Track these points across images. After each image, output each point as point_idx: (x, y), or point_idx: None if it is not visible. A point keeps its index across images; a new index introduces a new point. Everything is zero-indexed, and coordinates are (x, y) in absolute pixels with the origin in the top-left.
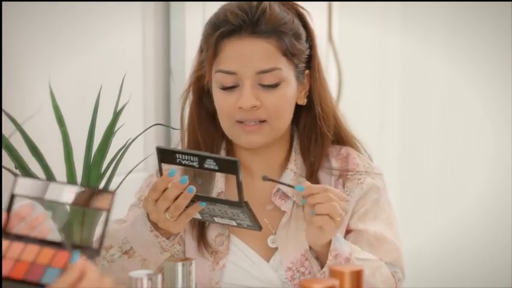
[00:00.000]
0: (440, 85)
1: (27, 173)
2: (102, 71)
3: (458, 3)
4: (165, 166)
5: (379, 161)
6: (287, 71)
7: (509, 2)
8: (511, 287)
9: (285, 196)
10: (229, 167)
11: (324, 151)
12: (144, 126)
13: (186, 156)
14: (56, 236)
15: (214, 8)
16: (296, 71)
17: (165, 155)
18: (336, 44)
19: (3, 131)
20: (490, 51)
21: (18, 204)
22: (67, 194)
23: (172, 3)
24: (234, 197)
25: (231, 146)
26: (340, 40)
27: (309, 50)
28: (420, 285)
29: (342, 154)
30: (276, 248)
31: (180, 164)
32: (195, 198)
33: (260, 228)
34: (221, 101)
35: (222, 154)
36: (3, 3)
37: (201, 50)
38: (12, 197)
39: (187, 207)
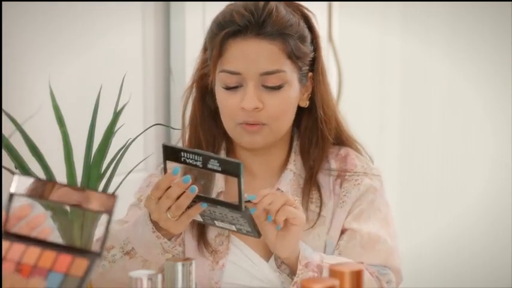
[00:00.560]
0: (440, 85)
1: (27, 173)
2: (102, 71)
3: (458, 3)
4: (169, 164)
5: (379, 161)
6: (291, 74)
7: (509, 2)
8: (511, 287)
9: None
10: (232, 169)
11: (324, 154)
12: (144, 126)
13: (191, 155)
14: (56, 237)
15: (214, 8)
16: (299, 74)
17: (170, 153)
18: (336, 44)
19: (3, 131)
20: (490, 51)
21: (16, 203)
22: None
23: (172, 3)
24: (234, 198)
25: (231, 146)
26: (340, 40)
27: (313, 53)
28: (420, 285)
29: (340, 154)
30: None
31: (184, 162)
32: (197, 199)
33: (259, 235)
34: (224, 100)
35: (222, 153)
36: (3, 3)
37: (204, 48)
38: (11, 196)
39: (189, 207)
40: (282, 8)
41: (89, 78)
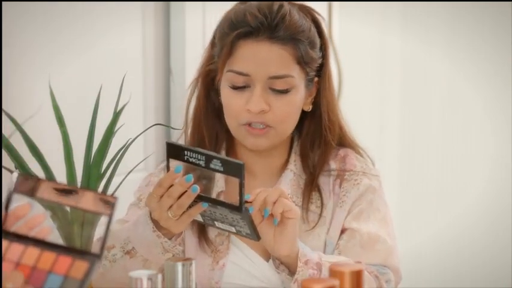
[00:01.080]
0: (440, 85)
1: (27, 173)
2: (102, 71)
3: (458, 3)
4: (172, 162)
5: (378, 161)
6: (298, 79)
7: (509, 2)
8: (511, 287)
9: None
10: (234, 170)
11: (326, 158)
12: (144, 126)
13: (194, 154)
14: (56, 237)
15: (214, 8)
16: (306, 79)
17: (174, 151)
18: (336, 44)
19: (3, 131)
20: (490, 51)
21: (15, 202)
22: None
23: (172, 3)
24: (234, 198)
25: (232, 144)
26: (340, 40)
27: (321, 59)
28: (420, 285)
29: (340, 155)
30: None
31: (187, 161)
32: (198, 199)
33: (259, 238)
34: (229, 100)
35: (223, 152)
36: (3, 3)
37: (212, 43)
38: (10, 194)
39: (190, 207)
40: (295, 12)
41: (89, 78)
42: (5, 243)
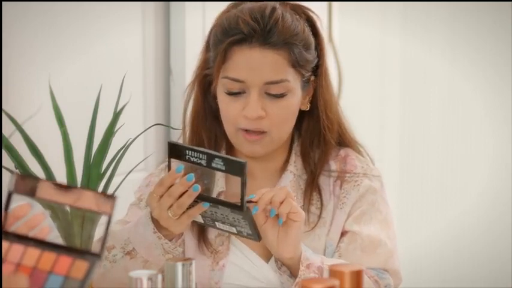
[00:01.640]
0: (440, 85)
1: (27, 173)
2: (102, 71)
3: (458, 3)
4: (173, 162)
5: (379, 161)
6: (294, 82)
7: (509, 2)
8: (511, 287)
9: None
10: (236, 169)
11: (326, 157)
12: (144, 126)
13: (196, 153)
14: (56, 236)
15: (214, 8)
16: (302, 81)
17: (176, 151)
18: (336, 44)
19: (3, 131)
20: (490, 51)
21: (15, 202)
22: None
23: (172, 3)
24: (235, 198)
25: (232, 146)
26: (340, 40)
27: (317, 59)
28: (420, 285)
29: (340, 155)
30: None
31: (188, 161)
32: (199, 198)
33: (259, 238)
34: (226, 105)
35: (223, 153)
36: (3, 3)
37: (206, 47)
38: (10, 195)
39: (190, 207)
40: (288, 15)
41: (89, 78)
42: (5, 244)
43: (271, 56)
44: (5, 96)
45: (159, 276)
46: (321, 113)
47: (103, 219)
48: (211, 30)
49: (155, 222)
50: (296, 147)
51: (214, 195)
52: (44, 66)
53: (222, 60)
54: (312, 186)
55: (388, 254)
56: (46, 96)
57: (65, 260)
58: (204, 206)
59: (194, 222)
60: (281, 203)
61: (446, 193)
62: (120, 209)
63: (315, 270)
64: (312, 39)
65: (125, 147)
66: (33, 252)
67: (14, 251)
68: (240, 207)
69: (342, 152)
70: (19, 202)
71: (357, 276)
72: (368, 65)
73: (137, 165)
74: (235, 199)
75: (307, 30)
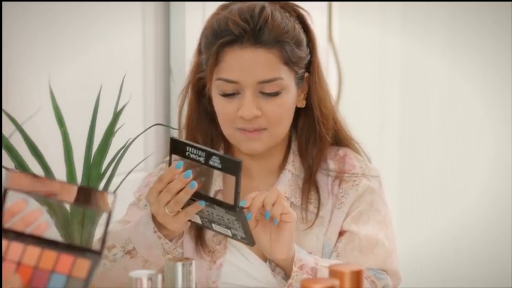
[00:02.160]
0: (440, 85)
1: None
2: (102, 71)
3: (458, 3)
4: (174, 158)
5: (378, 161)
6: (288, 79)
7: (509, 2)
8: (511, 287)
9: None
10: (232, 167)
11: (323, 154)
12: (144, 126)
13: (196, 150)
14: (53, 232)
15: (214, 8)
16: (296, 78)
17: (177, 147)
18: (336, 44)
19: (3, 131)
20: (490, 51)
21: (11, 199)
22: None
23: (172, 3)
24: (232, 197)
25: (230, 147)
26: (340, 40)
27: (309, 56)
28: (420, 285)
29: (339, 155)
30: None
31: (188, 157)
32: (196, 197)
33: (253, 243)
34: (221, 107)
35: (221, 152)
36: (3, 3)
37: (199, 50)
38: (5, 191)
39: (188, 205)
40: (277, 13)
41: (89, 78)
42: (4, 242)
43: (263, 55)
44: (5, 96)
45: (159, 276)
46: (315, 109)
47: (103, 219)
48: (203, 33)
49: (156, 222)
50: (294, 146)
51: (211, 193)
52: (44, 66)
53: (215, 62)
54: (309, 183)
55: (386, 254)
56: (46, 96)
57: (66, 259)
58: (201, 205)
59: (193, 224)
60: (273, 204)
61: (446, 193)
62: (120, 209)
63: (308, 271)
64: (303, 36)
65: (125, 147)
66: (33, 251)
67: (13, 250)
68: (232, 207)
69: (341, 151)
70: (15, 199)
71: (357, 276)
72: (368, 65)
73: (137, 165)
74: (232, 198)
75: (298, 27)
